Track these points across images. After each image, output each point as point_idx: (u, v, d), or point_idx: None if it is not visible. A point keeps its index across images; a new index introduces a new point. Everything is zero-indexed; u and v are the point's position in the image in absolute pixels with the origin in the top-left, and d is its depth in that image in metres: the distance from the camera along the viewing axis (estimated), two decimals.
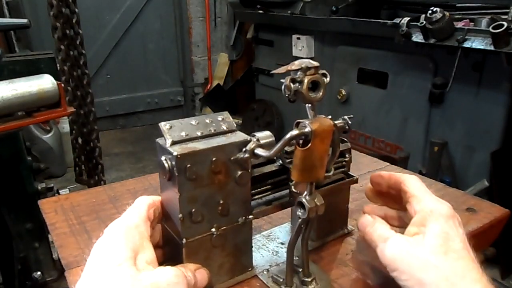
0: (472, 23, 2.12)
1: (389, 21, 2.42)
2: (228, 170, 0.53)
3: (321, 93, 0.51)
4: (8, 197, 1.65)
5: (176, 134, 0.51)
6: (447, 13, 2.06)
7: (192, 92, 5.40)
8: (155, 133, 4.00)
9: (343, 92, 3.04)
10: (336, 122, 0.58)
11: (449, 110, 2.43)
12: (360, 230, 0.58)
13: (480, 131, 2.30)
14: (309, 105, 0.51)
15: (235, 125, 0.56)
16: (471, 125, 2.33)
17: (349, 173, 0.68)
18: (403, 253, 0.50)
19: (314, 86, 0.50)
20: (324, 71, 0.51)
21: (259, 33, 3.94)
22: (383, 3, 3.24)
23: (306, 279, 0.58)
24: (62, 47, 2.11)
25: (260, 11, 3.73)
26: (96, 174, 2.39)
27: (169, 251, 0.57)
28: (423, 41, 2.19)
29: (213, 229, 0.54)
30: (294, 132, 0.50)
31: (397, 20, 2.35)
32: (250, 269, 0.61)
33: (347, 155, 0.67)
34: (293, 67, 0.50)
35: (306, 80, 0.49)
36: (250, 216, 0.57)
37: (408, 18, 2.29)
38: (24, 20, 1.84)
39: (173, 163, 0.48)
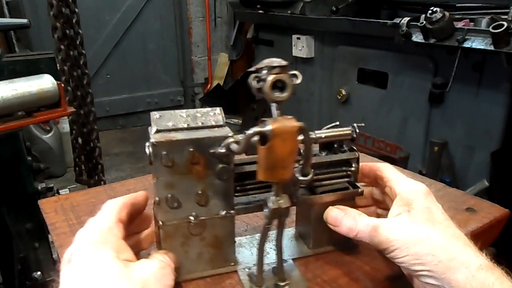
0: (472, 23, 2.12)
1: (389, 21, 2.42)
2: (207, 162, 0.55)
3: (286, 94, 0.49)
4: (8, 197, 1.65)
5: (163, 124, 0.54)
6: (447, 13, 2.06)
7: (192, 92, 5.40)
8: None
9: (343, 92, 3.04)
10: (344, 129, 0.60)
11: (449, 110, 2.43)
12: (335, 223, 0.59)
13: (480, 131, 2.29)
14: (274, 104, 0.50)
15: (223, 120, 0.57)
16: (471, 125, 2.33)
17: (356, 184, 0.64)
18: (396, 233, 0.52)
19: (280, 85, 0.49)
20: (294, 72, 0.50)
21: (259, 33, 3.94)
22: (383, 3, 3.24)
23: (280, 283, 0.58)
24: (62, 47, 2.12)
25: (260, 11, 3.73)
26: (96, 174, 2.40)
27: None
28: (423, 41, 2.19)
29: (191, 217, 0.57)
30: (256, 129, 0.49)
31: (397, 20, 2.35)
32: (232, 264, 0.62)
33: (353, 165, 0.63)
34: (261, 66, 0.50)
35: (269, 79, 0.49)
36: (232, 211, 0.58)
37: (408, 18, 2.28)
38: (24, 20, 1.84)
39: (151, 149, 0.52)
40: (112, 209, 0.53)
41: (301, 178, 0.56)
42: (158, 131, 0.53)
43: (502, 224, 0.77)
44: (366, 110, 2.95)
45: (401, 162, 2.46)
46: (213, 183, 0.56)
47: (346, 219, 0.58)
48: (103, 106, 4.67)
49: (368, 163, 0.66)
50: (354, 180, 0.64)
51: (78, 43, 2.17)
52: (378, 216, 0.66)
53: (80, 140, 2.33)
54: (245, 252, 0.65)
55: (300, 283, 0.60)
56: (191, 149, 0.53)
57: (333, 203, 0.62)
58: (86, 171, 2.38)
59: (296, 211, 0.70)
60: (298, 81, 0.50)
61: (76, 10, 2.11)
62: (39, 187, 1.74)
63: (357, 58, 2.92)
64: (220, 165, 0.55)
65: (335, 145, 0.64)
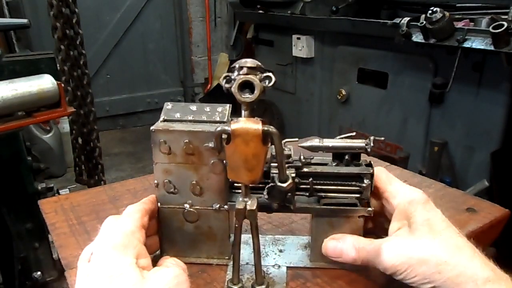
0: (472, 23, 2.12)
1: (389, 21, 2.42)
2: (201, 155, 0.57)
3: (254, 95, 0.49)
4: (8, 197, 1.65)
5: (171, 114, 0.58)
6: (447, 13, 2.06)
7: (192, 92, 5.40)
8: None
9: (343, 92, 3.04)
10: (358, 141, 0.57)
11: (449, 110, 2.43)
12: (335, 255, 0.58)
13: (480, 131, 2.29)
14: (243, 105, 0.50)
15: (228, 117, 0.58)
16: (471, 125, 2.33)
17: (367, 201, 0.59)
18: (400, 257, 0.52)
19: (250, 87, 0.49)
20: (268, 74, 0.50)
21: (259, 33, 3.94)
22: (383, 3, 3.24)
23: (256, 286, 0.57)
24: (62, 47, 2.12)
25: (260, 11, 3.73)
26: (96, 174, 2.39)
27: None
28: (423, 41, 2.19)
29: (186, 205, 0.59)
30: (221, 127, 0.50)
31: (397, 20, 2.35)
32: (227, 257, 0.63)
33: (365, 181, 0.57)
34: (233, 65, 0.50)
35: (237, 80, 0.49)
36: (226, 206, 0.59)
37: (408, 18, 2.28)
38: (24, 20, 1.84)
39: (151, 135, 0.56)
40: (135, 214, 0.54)
41: (279, 184, 0.54)
42: (164, 120, 0.58)
43: (502, 224, 0.77)
44: (366, 110, 2.95)
45: (401, 162, 2.46)
46: (207, 176, 0.58)
47: (345, 250, 0.57)
48: (103, 106, 4.67)
49: None
50: (365, 198, 0.58)
51: (78, 43, 2.17)
52: (376, 227, 0.64)
53: (80, 140, 2.33)
54: (247, 249, 0.65)
55: None
56: (186, 140, 0.55)
57: (335, 217, 0.59)
58: (86, 171, 2.38)
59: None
60: (271, 83, 0.49)
61: (76, 10, 2.11)
62: (39, 187, 1.74)
63: (357, 58, 2.92)
64: (212, 160, 0.56)
65: (346, 157, 0.59)
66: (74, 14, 2.11)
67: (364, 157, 0.60)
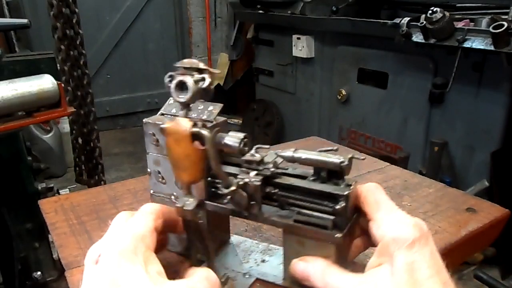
0: (472, 23, 2.12)
1: (389, 21, 2.42)
2: None
3: (187, 96, 0.48)
4: (8, 197, 1.65)
5: (168, 109, 0.58)
6: (447, 13, 2.06)
7: None
8: None
9: (343, 92, 3.04)
10: (334, 157, 0.51)
11: (449, 110, 2.43)
12: (303, 278, 0.52)
13: (480, 131, 2.30)
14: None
15: (213, 117, 0.56)
16: (471, 125, 2.33)
17: (343, 225, 0.51)
18: None
19: (186, 87, 0.49)
20: (203, 75, 0.49)
21: (259, 33, 3.94)
22: (383, 3, 3.24)
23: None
24: (62, 47, 2.12)
25: (260, 11, 3.73)
26: (96, 174, 2.40)
27: None
28: (423, 41, 2.19)
29: (173, 196, 0.60)
30: (160, 124, 0.51)
31: (397, 20, 2.35)
32: None
33: (340, 203, 0.50)
34: (177, 65, 0.50)
35: (173, 80, 0.49)
36: (207, 202, 0.58)
37: (408, 18, 2.29)
38: (24, 20, 1.84)
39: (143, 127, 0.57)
40: (149, 215, 0.50)
41: (223, 189, 0.53)
42: (161, 114, 0.59)
43: (502, 224, 0.77)
44: (366, 110, 2.95)
45: (401, 162, 2.46)
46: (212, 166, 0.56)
47: (313, 276, 0.50)
48: (103, 106, 4.67)
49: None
50: (340, 222, 0.51)
51: (78, 43, 2.17)
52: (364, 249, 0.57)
53: (80, 140, 2.33)
54: (240, 254, 0.65)
55: None
56: None
57: (305, 237, 0.53)
58: (86, 171, 2.38)
59: None
60: (205, 85, 0.48)
61: (76, 10, 2.11)
62: (39, 187, 1.74)
63: (357, 58, 2.93)
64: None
65: (322, 173, 0.53)
66: (74, 14, 2.11)
67: (357, 173, 0.56)
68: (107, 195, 0.85)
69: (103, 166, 2.43)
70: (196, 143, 0.49)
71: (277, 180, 0.54)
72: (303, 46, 3.25)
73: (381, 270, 0.46)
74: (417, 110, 2.59)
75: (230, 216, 0.66)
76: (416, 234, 0.46)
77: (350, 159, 0.50)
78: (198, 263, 0.54)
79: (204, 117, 0.56)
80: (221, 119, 0.58)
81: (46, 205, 0.81)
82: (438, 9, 2.05)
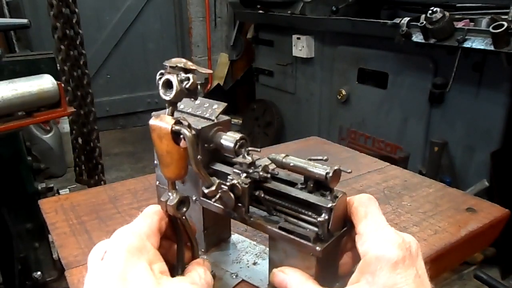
0: (472, 23, 2.12)
1: (389, 21, 2.42)
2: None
3: (171, 94, 0.49)
4: (8, 197, 1.65)
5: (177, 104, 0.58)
6: (447, 13, 2.06)
7: None
8: None
9: (343, 92, 3.04)
10: (320, 167, 0.49)
11: (449, 110, 2.43)
12: None
13: (480, 131, 2.30)
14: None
15: (216, 116, 0.58)
16: (471, 125, 2.33)
17: (322, 237, 0.49)
18: None
19: (169, 85, 0.49)
20: (188, 75, 0.49)
21: (259, 33, 3.94)
22: (383, 3, 3.24)
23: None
24: (62, 47, 2.12)
25: (260, 11, 3.73)
26: (96, 174, 2.40)
27: None
28: (423, 41, 2.19)
29: (170, 193, 0.59)
30: (151, 120, 0.51)
31: (397, 20, 2.35)
32: (202, 249, 0.65)
33: (323, 215, 0.48)
34: (166, 63, 0.51)
35: (161, 79, 0.50)
36: (200, 199, 0.60)
37: (408, 18, 2.29)
38: (24, 20, 1.84)
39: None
40: (154, 216, 0.51)
41: (203, 188, 0.54)
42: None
43: (502, 224, 0.77)
44: (366, 110, 2.95)
45: (401, 162, 2.46)
46: (191, 166, 0.56)
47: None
48: (103, 106, 4.67)
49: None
50: (323, 234, 0.49)
51: (78, 43, 2.17)
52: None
53: (80, 140, 2.33)
54: (234, 254, 0.65)
55: None
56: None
57: (288, 246, 0.52)
58: (86, 171, 2.38)
59: None
60: (188, 85, 0.49)
61: (76, 10, 2.11)
62: (39, 187, 1.74)
63: (357, 58, 2.92)
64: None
65: (309, 182, 0.51)
66: (74, 14, 2.11)
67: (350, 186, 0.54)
68: (107, 195, 0.85)
69: (103, 166, 2.43)
70: (183, 141, 0.49)
71: (266, 185, 0.54)
72: (303, 46, 3.25)
73: (360, 287, 0.45)
74: (417, 110, 2.59)
75: None
76: (400, 254, 0.44)
77: (336, 171, 0.48)
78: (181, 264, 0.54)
79: (207, 115, 0.58)
80: (224, 117, 0.58)
81: (46, 205, 0.81)
82: (438, 9, 2.05)
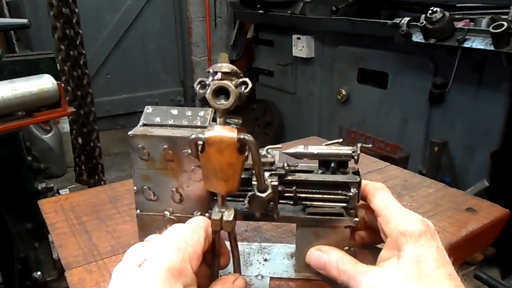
0: (472, 23, 2.12)
1: (389, 21, 2.42)
2: (181, 161, 0.54)
3: (228, 102, 0.46)
4: (8, 197, 1.65)
5: (151, 118, 0.56)
6: (447, 13, 2.06)
7: (192, 92, 5.40)
8: None
9: (343, 92, 3.04)
10: (344, 148, 0.54)
11: (449, 110, 2.43)
12: (318, 267, 0.55)
13: (480, 131, 2.30)
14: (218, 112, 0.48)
15: (208, 122, 0.56)
16: (471, 125, 2.33)
17: (354, 211, 0.56)
18: None
19: (223, 93, 0.47)
20: (245, 79, 0.47)
21: (259, 33, 3.94)
22: (383, 3, 3.24)
23: None
24: (62, 47, 2.12)
25: (260, 11, 3.73)
26: (96, 174, 2.40)
27: None
28: (423, 41, 2.19)
29: (166, 212, 0.57)
30: (195, 135, 0.48)
31: (397, 20, 2.35)
32: None
33: (352, 190, 0.54)
34: (208, 70, 0.48)
35: (211, 86, 0.47)
36: (206, 214, 0.56)
37: (408, 18, 2.29)
38: (24, 20, 1.84)
39: (129, 141, 0.54)
40: (201, 232, 0.47)
41: (258, 194, 0.52)
42: (144, 125, 0.56)
43: (502, 224, 0.77)
44: (366, 110, 2.95)
45: (401, 162, 2.46)
46: (187, 183, 0.55)
47: (329, 265, 0.54)
48: (103, 106, 4.67)
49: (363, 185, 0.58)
50: (351, 207, 0.55)
51: (78, 43, 2.17)
52: (369, 241, 0.61)
53: (80, 140, 2.33)
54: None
55: None
56: (165, 146, 0.54)
57: (321, 227, 0.56)
58: (86, 171, 2.38)
59: None
60: (247, 90, 0.47)
61: (76, 10, 2.11)
62: (39, 187, 1.74)
63: (357, 58, 2.92)
64: (192, 166, 0.54)
65: (332, 165, 0.56)
66: (74, 14, 2.11)
67: (352, 165, 0.57)
68: (107, 195, 0.85)
69: (103, 166, 2.43)
70: (240, 150, 0.47)
71: (290, 178, 0.56)
72: (303, 46, 3.25)
73: (391, 262, 0.50)
74: (417, 110, 2.59)
75: None
76: (422, 228, 0.50)
77: (360, 147, 0.53)
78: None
79: (198, 123, 0.55)
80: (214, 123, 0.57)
81: (46, 205, 0.81)
82: (438, 9, 2.05)
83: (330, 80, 3.19)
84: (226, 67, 0.47)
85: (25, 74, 1.42)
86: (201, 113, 0.56)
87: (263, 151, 0.55)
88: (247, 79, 0.47)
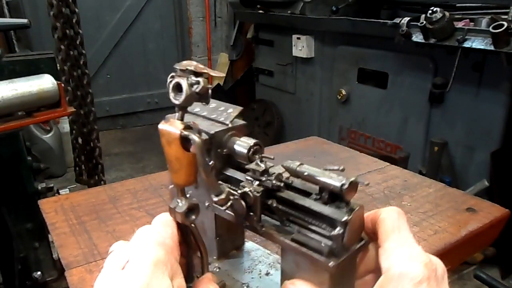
0: (472, 23, 2.12)
1: (389, 21, 2.42)
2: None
3: (181, 98, 0.47)
4: (8, 197, 1.65)
5: (192, 107, 0.54)
6: (447, 13, 2.06)
7: None
8: (155, 133, 3.98)
9: (343, 92, 3.04)
10: (336, 178, 0.47)
11: (449, 110, 2.43)
12: None
13: (480, 131, 2.30)
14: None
15: (230, 120, 0.56)
16: (471, 125, 2.33)
17: (336, 252, 0.46)
18: None
19: (181, 90, 0.48)
20: (198, 79, 0.47)
21: (259, 33, 3.94)
22: (383, 3, 3.24)
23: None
24: (62, 47, 2.12)
25: (260, 11, 3.73)
26: (96, 174, 2.40)
27: None
28: (423, 41, 2.19)
29: (187, 195, 0.56)
30: (161, 125, 0.49)
31: (397, 20, 2.35)
32: (214, 256, 0.63)
33: (338, 229, 0.45)
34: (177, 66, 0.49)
35: (171, 82, 0.48)
36: (213, 205, 0.56)
37: (408, 18, 2.29)
38: (24, 20, 1.84)
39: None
40: (173, 225, 0.48)
41: (211, 196, 0.52)
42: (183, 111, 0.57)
43: (502, 224, 0.77)
44: (366, 110, 2.95)
45: (401, 162, 2.46)
46: (199, 172, 0.54)
47: None
48: (103, 106, 4.67)
49: (371, 212, 0.50)
50: (337, 249, 0.46)
51: (78, 43, 2.17)
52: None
53: (80, 140, 2.33)
54: (247, 263, 0.63)
55: None
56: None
57: (301, 258, 0.49)
58: (86, 171, 2.38)
59: None
60: (198, 89, 0.47)
61: (76, 10, 2.11)
62: (39, 187, 1.74)
63: (357, 58, 2.92)
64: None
65: (323, 193, 0.49)
66: (74, 14, 2.11)
67: (363, 194, 0.52)
68: (107, 195, 0.85)
69: (103, 166, 2.43)
70: (192, 147, 0.47)
71: (280, 194, 0.51)
72: (303, 46, 3.25)
73: None
74: (417, 110, 2.59)
75: None
76: (425, 274, 0.42)
77: (352, 183, 0.45)
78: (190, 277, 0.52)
79: (222, 119, 0.56)
80: (240, 122, 0.57)
81: (46, 205, 0.81)
82: (438, 9, 2.05)
83: (330, 80, 3.19)
84: (185, 64, 0.48)
85: (25, 74, 1.42)
86: (230, 110, 0.58)
87: (257, 159, 0.53)
88: (201, 78, 0.47)
